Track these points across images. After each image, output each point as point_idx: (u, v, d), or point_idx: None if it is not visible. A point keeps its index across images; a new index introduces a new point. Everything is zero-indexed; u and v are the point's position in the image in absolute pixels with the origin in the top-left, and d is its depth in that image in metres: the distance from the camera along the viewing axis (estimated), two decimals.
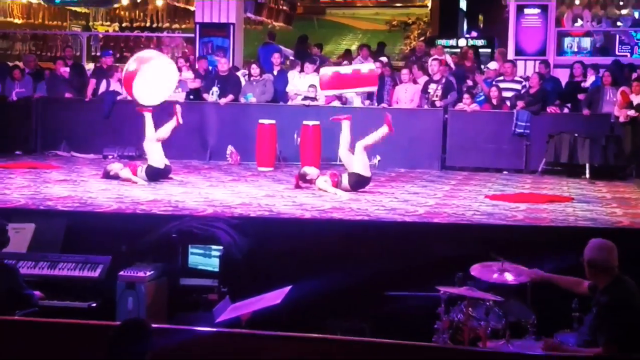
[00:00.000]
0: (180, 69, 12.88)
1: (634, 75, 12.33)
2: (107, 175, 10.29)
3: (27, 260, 7.00)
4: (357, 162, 9.61)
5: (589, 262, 5.16)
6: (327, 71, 12.45)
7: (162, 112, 10.65)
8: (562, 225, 7.66)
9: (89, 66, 15.31)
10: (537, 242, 7.14)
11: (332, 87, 12.02)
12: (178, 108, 10.67)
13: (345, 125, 9.83)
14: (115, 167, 10.42)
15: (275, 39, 15.46)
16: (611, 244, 5.23)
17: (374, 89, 12.24)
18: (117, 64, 14.50)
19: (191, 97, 13.08)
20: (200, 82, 13.25)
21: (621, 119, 11.61)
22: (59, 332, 4.98)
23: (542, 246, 6.91)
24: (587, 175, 11.45)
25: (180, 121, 10.52)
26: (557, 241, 7.10)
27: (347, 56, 15.52)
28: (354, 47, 16.75)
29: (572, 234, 7.23)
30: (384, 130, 9.68)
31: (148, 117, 10.36)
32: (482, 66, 14.56)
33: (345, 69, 12.43)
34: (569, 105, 12.70)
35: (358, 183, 9.59)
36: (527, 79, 12.78)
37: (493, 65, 13.59)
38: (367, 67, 12.46)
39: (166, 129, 10.37)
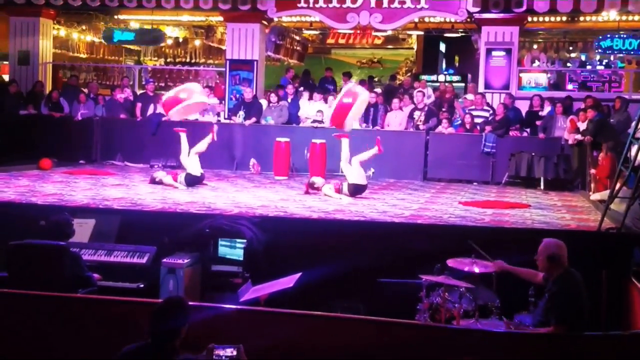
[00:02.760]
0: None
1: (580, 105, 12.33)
2: (153, 181, 10.30)
3: (88, 248, 7.02)
4: (355, 173, 9.62)
5: (545, 257, 5.16)
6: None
7: (197, 131, 10.65)
8: (521, 227, 7.63)
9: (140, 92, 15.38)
10: (501, 241, 7.11)
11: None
12: (215, 128, 10.69)
13: (345, 143, 9.82)
14: (160, 174, 10.43)
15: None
16: (562, 242, 5.23)
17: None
18: (161, 92, 14.55)
19: (218, 119, 13.17)
20: (223, 107, 13.34)
21: (570, 142, 11.59)
22: (113, 307, 5.01)
23: (505, 244, 6.89)
24: (542, 187, 11.42)
25: (215, 138, 10.53)
26: (517, 240, 7.08)
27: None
28: (354, 79, 16.83)
29: (530, 234, 7.21)
30: (374, 150, 9.72)
31: (183, 137, 10.40)
32: (459, 98, 14.59)
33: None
34: (528, 130, 12.69)
35: (356, 190, 9.58)
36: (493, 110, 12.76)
37: (470, 96, 13.59)
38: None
39: (203, 144, 10.40)
